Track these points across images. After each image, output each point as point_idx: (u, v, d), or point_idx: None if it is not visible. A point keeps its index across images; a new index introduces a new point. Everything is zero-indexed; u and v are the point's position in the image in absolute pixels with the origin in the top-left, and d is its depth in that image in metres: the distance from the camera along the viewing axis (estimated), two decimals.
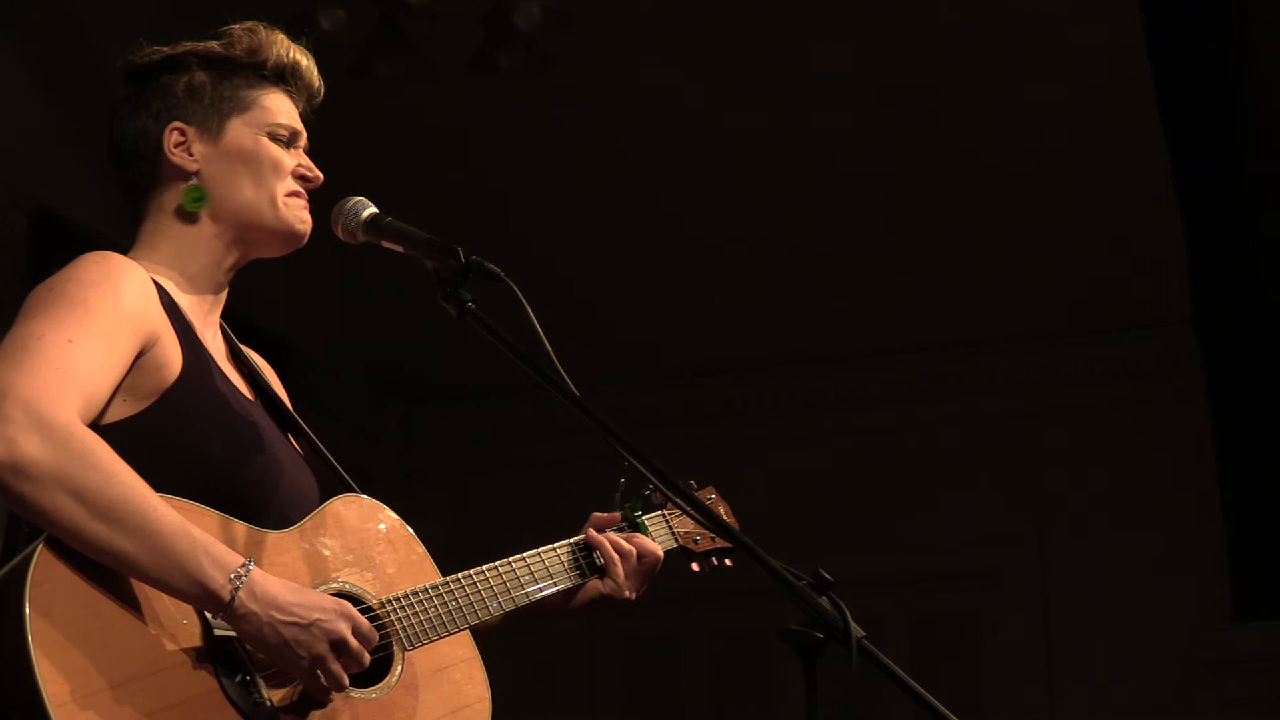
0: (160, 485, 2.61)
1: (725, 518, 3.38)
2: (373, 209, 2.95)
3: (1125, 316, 8.41)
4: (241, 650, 2.64)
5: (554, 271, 7.74)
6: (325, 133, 3.08)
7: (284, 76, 2.99)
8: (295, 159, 2.97)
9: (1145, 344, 8.48)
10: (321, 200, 2.99)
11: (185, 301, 2.87)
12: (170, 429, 2.73)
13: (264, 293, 3.18)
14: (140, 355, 2.73)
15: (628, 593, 3.16)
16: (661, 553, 3.22)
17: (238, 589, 2.59)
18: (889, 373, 8.78)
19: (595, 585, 3.15)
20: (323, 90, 3.05)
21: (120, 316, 2.70)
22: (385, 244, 2.92)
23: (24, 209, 7.01)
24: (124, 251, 2.87)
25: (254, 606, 2.60)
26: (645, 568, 3.18)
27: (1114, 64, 7.43)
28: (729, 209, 8.28)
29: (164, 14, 5.93)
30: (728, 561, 3.38)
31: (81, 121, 6.75)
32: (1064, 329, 8.54)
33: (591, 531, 3.17)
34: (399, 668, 2.81)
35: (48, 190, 7.01)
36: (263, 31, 2.99)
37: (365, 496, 2.94)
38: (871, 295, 8.46)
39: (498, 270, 2.78)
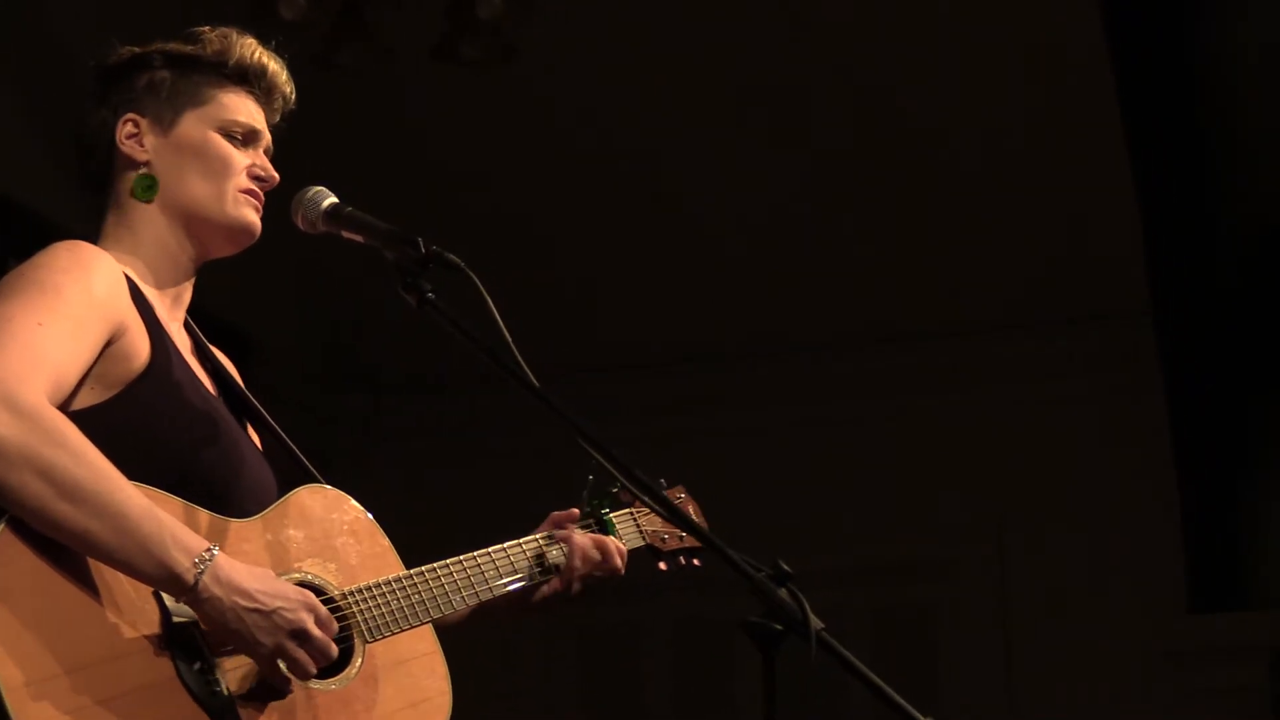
0: (124, 474, 2.61)
1: (694, 516, 3.39)
2: (333, 199, 2.94)
3: (1084, 309, 8.45)
4: (200, 638, 2.64)
5: (518, 262, 7.74)
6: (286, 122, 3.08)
7: (247, 78, 2.99)
8: (251, 158, 2.97)
9: (1104, 337, 8.51)
10: (283, 190, 2.99)
11: (151, 294, 2.89)
12: (135, 419, 2.74)
13: (223, 281, 3.18)
14: (109, 344, 2.74)
15: (576, 588, 3.17)
16: (621, 565, 3.22)
17: (202, 573, 2.59)
18: (849, 365, 8.79)
19: (538, 592, 3.16)
20: (293, 98, 3.05)
21: (91, 304, 2.72)
22: (345, 234, 2.92)
23: None
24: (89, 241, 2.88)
25: (217, 591, 2.60)
26: (605, 570, 3.20)
27: (1074, 59, 7.46)
28: (696, 200, 8.28)
29: (127, 5, 5.90)
30: (696, 561, 3.38)
31: (42, 109, 6.73)
32: (1023, 321, 8.56)
33: (575, 533, 3.17)
34: (359, 660, 2.81)
35: (6, 178, 6.97)
36: (234, 35, 3.01)
37: (330, 487, 2.94)
38: (834, 288, 8.47)
39: (458, 260, 2.78)
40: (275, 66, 3.02)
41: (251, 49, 3.00)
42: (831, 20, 7.58)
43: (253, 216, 2.95)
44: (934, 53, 7.64)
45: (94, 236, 2.91)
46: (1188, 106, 7.33)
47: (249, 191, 2.95)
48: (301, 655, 2.66)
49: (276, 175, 2.99)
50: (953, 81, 7.72)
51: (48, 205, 6.50)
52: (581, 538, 3.18)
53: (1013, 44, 7.54)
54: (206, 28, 3.01)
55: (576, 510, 3.24)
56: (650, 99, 7.91)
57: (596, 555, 3.17)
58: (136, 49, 2.98)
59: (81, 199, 2.98)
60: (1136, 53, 7.10)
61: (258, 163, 2.98)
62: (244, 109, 2.98)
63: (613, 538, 3.23)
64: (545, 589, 3.17)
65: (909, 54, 7.65)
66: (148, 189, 2.91)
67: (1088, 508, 8.39)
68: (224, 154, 2.94)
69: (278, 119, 3.05)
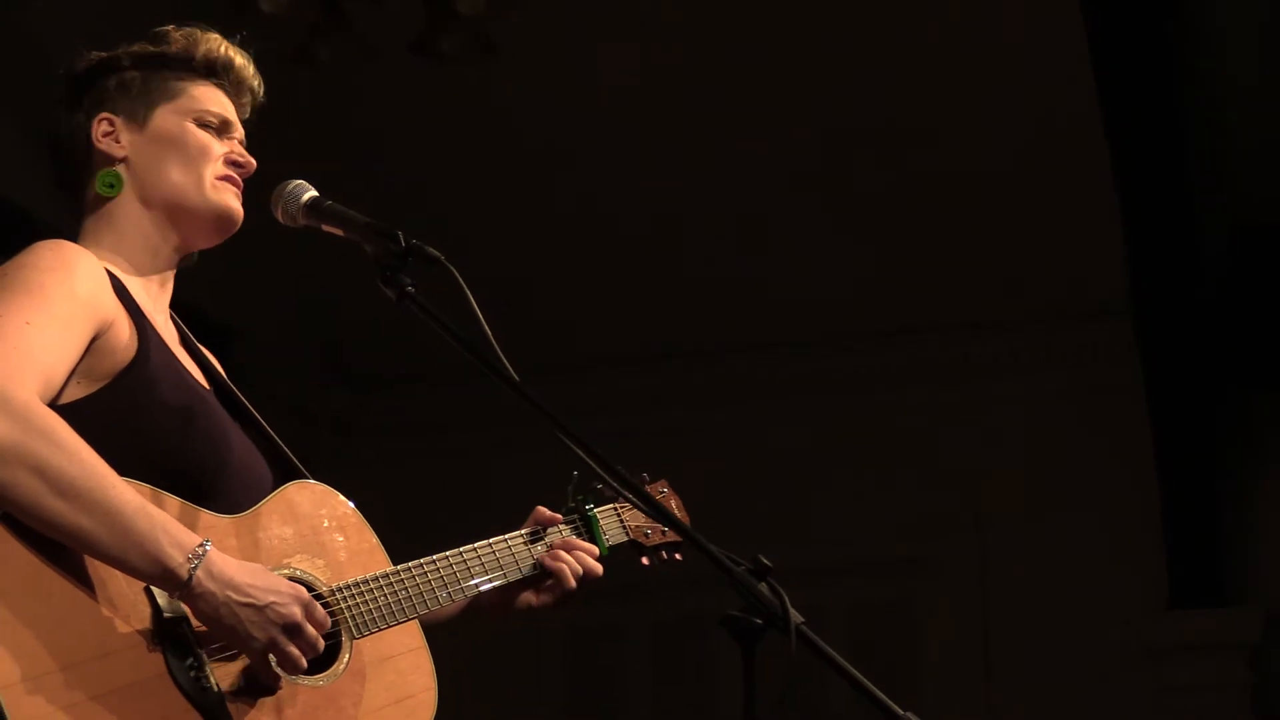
0: (114, 467, 2.61)
1: (676, 511, 3.39)
2: (313, 192, 2.95)
3: (1065, 306, 8.47)
4: (190, 634, 2.65)
5: (479, 259, 7.72)
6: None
7: (215, 71, 3.03)
8: (227, 146, 2.99)
9: (1084, 333, 8.53)
10: (262, 187, 2.98)
11: (135, 288, 2.89)
12: (124, 410, 2.74)
13: (206, 275, 3.17)
14: (95, 340, 2.75)
15: (560, 594, 3.15)
16: (597, 568, 3.19)
17: (195, 568, 2.59)
18: (831, 361, 8.80)
19: (527, 597, 3.15)
20: (261, 91, 3.08)
21: (76, 301, 2.72)
22: (325, 227, 2.92)
23: None
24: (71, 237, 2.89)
25: (211, 586, 2.60)
26: (580, 573, 3.16)
27: (1059, 64, 7.49)
28: (664, 199, 8.29)
29: (107, 6, 5.89)
30: (677, 555, 3.36)
31: (18, 100, 6.71)
32: (1005, 318, 8.58)
33: (561, 554, 3.14)
34: (347, 655, 2.81)
35: None
36: (199, 32, 3.04)
37: (318, 483, 2.94)
38: (814, 284, 8.48)
39: (438, 254, 2.77)
40: (242, 60, 3.06)
41: (218, 43, 3.04)
42: (824, 28, 7.60)
43: (234, 202, 2.97)
44: (924, 60, 7.66)
45: (74, 235, 2.92)
46: (1168, 109, 7.37)
47: (227, 178, 2.97)
48: (293, 650, 2.67)
49: (254, 161, 3.01)
50: (942, 86, 7.74)
51: (31, 198, 6.49)
52: (558, 538, 3.17)
53: (999, 50, 7.57)
54: (171, 26, 3.04)
55: (559, 515, 3.22)
56: (642, 94, 7.91)
57: (569, 557, 3.16)
58: (104, 54, 3.01)
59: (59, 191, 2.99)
60: (1118, 57, 7.14)
61: (235, 150, 3.00)
62: (215, 100, 3.01)
63: (584, 542, 3.20)
64: (532, 597, 3.15)
65: (882, 60, 7.68)
66: (110, 185, 2.93)
67: (1068, 504, 8.40)
68: (201, 141, 2.96)
69: (248, 113, 3.08)
